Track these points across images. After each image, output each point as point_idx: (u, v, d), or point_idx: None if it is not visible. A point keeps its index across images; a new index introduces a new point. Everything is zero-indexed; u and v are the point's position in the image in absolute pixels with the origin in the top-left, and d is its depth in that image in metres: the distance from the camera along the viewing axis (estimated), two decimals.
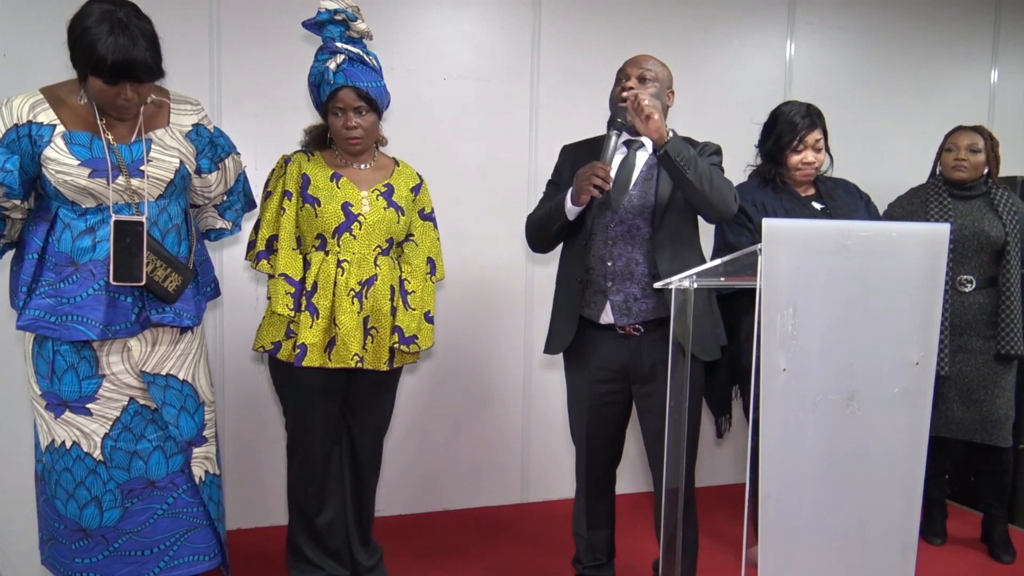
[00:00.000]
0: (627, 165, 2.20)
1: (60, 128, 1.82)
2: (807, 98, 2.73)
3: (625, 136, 2.18)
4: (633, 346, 2.20)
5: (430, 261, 2.31)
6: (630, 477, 3.31)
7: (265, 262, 2.18)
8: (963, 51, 3.92)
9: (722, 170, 2.22)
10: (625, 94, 2.09)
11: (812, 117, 2.59)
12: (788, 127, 2.58)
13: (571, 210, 2.15)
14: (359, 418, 2.32)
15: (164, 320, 1.94)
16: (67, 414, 1.91)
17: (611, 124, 2.13)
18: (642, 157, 2.22)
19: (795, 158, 2.58)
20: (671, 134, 2.04)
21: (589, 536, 2.38)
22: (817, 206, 2.61)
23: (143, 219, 1.86)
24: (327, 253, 2.15)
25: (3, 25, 2.56)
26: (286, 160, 2.21)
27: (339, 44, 2.11)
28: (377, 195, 2.20)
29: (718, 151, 2.24)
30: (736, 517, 3.12)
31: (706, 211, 2.12)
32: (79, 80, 1.81)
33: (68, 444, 1.91)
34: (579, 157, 2.24)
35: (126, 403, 1.94)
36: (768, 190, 2.61)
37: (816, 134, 2.58)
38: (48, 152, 1.80)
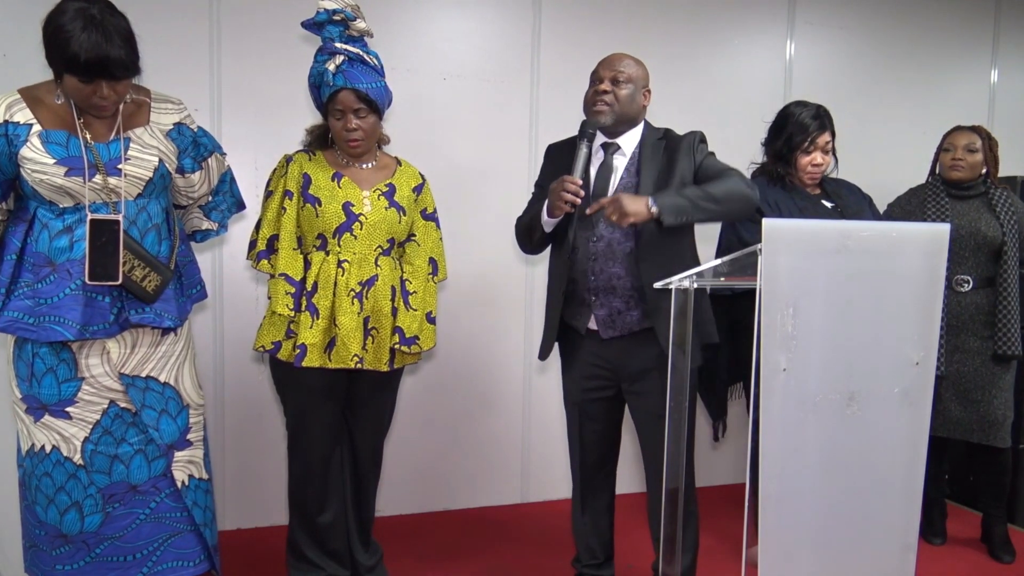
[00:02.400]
0: (605, 172, 2.17)
1: (37, 127, 1.81)
2: (807, 98, 2.73)
3: (601, 139, 2.15)
4: (621, 346, 2.19)
5: (432, 261, 2.31)
6: (629, 477, 3.31)
7: (266, 262, 2.17)
8: (963, 51, 3.92)
9: (712, 155, 2.18)
10: (594, 209, 2.01)
11: (822, 119, 2.60)
12: (799, 128, 2.58)
13: (547, 223, 2.14)
14: (360, 418, 2.32)
15: (144, 320, 1.91)
16: (47, 418, 1.89)
17: (581, 135, 2.08)
18: (620, 161, 2.18)
19: (805, 159, 2.59)
20: (654, 207, 1.94)
21: (588, 536, 2.38)
22: (828, 204, 2.62)
23: (119, 218, 1.84)
24: (328, 253, 2.14)
25: (3, 25, 2.56)
26: (287, 160, 2.21)
27: (338, 44, 2.10)
28: (378, 195, 2.20)
29: (703, 140, 2.18)
30: (736, 517, 3.12)
31: (733, 220, 2.09)
32: (55, 78, 1.80)
33: (48, 448, 1.89)
34: (559, 160, 2.22)
35: (106, 406, 1.92)
36: (778, 189, 2.61)
37: (826, 136, 2.59)
38: (24, 151, 1.79)
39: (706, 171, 2.13)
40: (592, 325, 2.19)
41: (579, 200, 2.01)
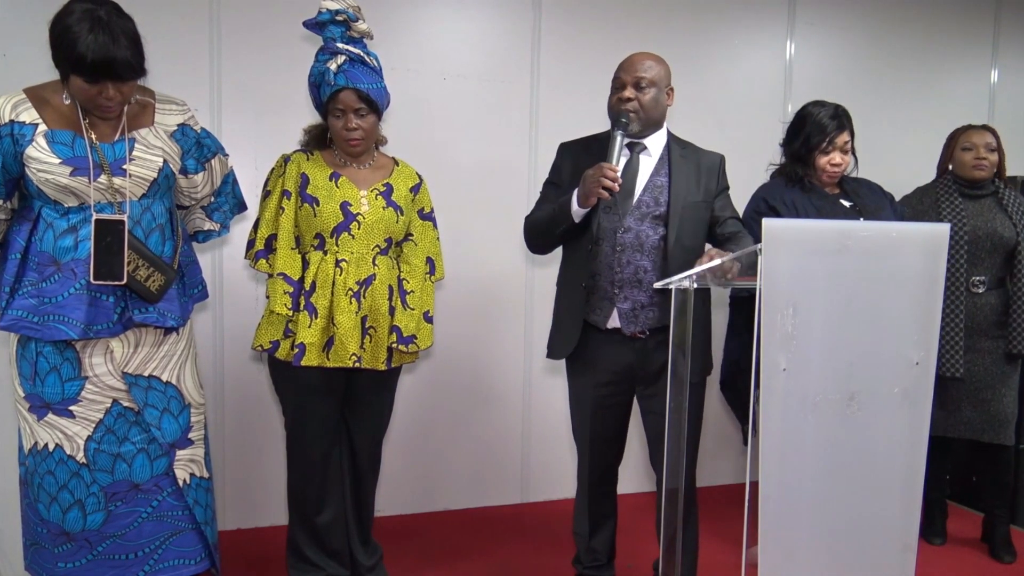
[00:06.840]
0: (631, 169, 2.16)
1: (42, 127, 1.82)
2: (807, 98, 2.72)
3: (627, 139, 2.15)
4: (639, 348, 2.18)
5: (429, 261, 2.31)
6: (632, 477, 3.31)
7: (264, 261, 2.18)
8: (963, 51, 3.92)
9: (728, 190, 2.24)
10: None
11: (841, 119, 2.57)
12: (817, 129, 2.56)
13: (577, 212, 2.08)
14: (358, 417, 2.32)
15: (147, 320, 1.92)
16: (50, 416, 1.90)
17: (615, 125, 2.09)
18: (646, 161, 2.18)
19: (823, 160, 2.57)
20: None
21: (590, 537, 2.38)
22: (846, 204, 2.60)
23: (124, 218, 1.85)
24: (326, 253, 2.15)
25: (3, 25, 2.56)
26: (285, 159, 2.21)
27: (340, 44, 2.11)
28: (376, 195, 2.20)
29: (723, 167, 2.25)
30: (736, 517, 3.12)
31: None
32: (61, 79, 1.81)
33: (51, 447, 1.90)
34: (579, 156, 2.21)
35: (109, 405, 1.93)
36: (796, 190, 2.59)
37: (844, 136, 2.56)
38: (30, 151, 1.80)
39: (722, 211, 2.20)
40: (613, 323, 2.16)
41: (617, 188, 1.97)
